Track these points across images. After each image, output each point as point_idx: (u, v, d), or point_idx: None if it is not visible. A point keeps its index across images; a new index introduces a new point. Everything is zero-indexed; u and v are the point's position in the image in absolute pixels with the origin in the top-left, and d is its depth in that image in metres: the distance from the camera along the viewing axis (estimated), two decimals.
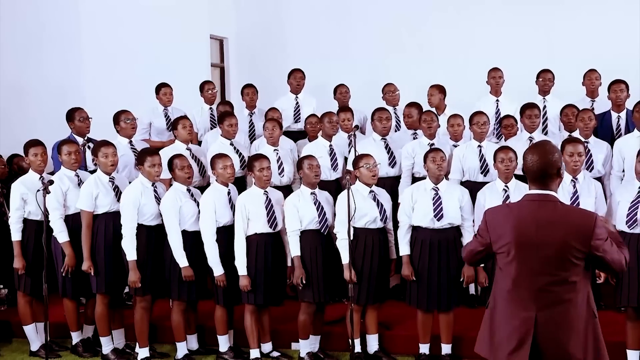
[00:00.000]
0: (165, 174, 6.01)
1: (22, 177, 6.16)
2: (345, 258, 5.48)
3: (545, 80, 7.61)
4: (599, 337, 3.37)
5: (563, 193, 5.33)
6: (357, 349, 5.70)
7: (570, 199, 5.47)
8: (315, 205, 5.64)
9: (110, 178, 5.87)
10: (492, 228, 3.46)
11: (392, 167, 6.66)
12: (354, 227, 5.48)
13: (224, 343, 5.88)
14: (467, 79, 8.51)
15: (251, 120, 8.01)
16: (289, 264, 5.73)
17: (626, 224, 5.16)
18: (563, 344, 3.30)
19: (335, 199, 5.72)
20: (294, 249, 5.59)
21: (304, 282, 5.54)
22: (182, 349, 5.87)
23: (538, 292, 3.31)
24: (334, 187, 6.53)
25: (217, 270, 5.65)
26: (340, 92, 8.11)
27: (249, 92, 8.14)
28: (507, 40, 9.56)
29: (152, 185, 5.80)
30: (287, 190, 6.35)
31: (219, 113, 7.45)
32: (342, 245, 5.50)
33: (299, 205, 5.62)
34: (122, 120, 6.62)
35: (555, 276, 3.29)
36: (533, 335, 3.31)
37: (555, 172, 3.38)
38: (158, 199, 5.77)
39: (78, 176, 6.01)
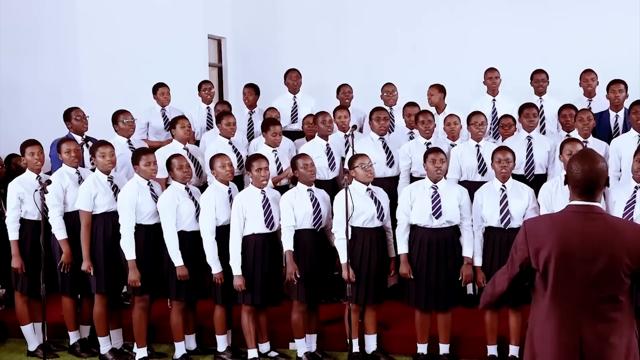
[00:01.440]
0: (162, 174, 6.00)
1: (18, 176, 6.14)
2: (343, 257, 5.46)
3: (538, 80, 7.57)
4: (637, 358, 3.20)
5: (562, 193, 5.32)
6: (355, 348, 5.69)
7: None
8: (312, 201, 5.63)
9: (109, 177, 5.86)
10: (531, 238, 3.17)
11: (390, 166, 6.65)
12: (351, 227, 5.46)
13: (222, 343, 5.87)
14: (463, 79, 8.51)
15: (251, 119, 8.00)
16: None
17: None
18: None
19: (332, 199, 5.72)
20: (286, 244, 5.57)
21: (298, 276, 5.53)
22: (180, 349, 5.86)
23: (582, 310, 3.10)
24: (331, 187, 6.52)
25: (216, 267, 5.64)
26: (344, 92, 8.07)
27: (249, 91, 8.13)
28: (503, 39, 9.55)
29: (148, 184, 5.78)
30: (286, 190, 6.33)
31: (217, 112, 7.44)
32: (340, 245, 5.49)
33: (294, 202, 5.61)
34: (121, 120, 6.60)
35: (601, 293, 3.08)
36: (580, 356, 3.09)
37: (605, 182, 3.17)
38: (155, 198, 5.75)
39: (79, 173, 6.00)
